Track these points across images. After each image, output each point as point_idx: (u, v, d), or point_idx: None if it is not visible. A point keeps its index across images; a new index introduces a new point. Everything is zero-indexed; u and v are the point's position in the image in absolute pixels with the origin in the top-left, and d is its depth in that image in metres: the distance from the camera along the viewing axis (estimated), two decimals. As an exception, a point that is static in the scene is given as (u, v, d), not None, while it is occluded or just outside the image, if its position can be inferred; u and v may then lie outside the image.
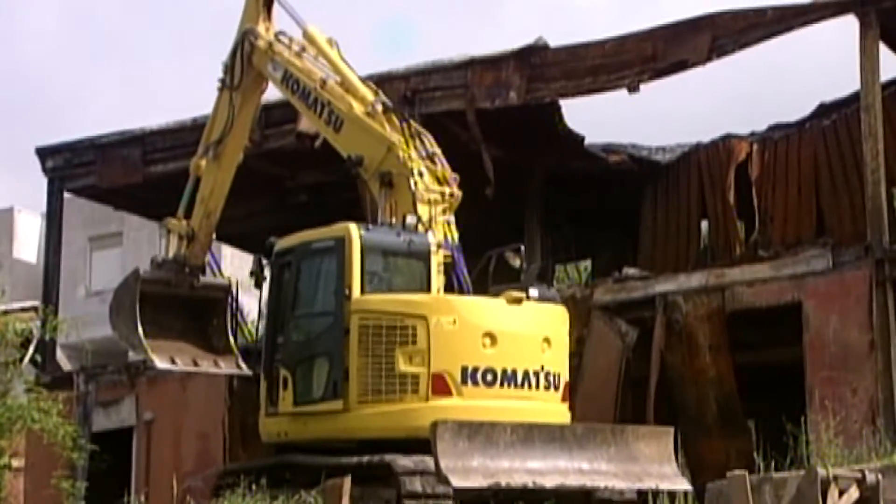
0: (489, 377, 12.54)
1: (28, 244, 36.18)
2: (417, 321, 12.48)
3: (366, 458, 12.14)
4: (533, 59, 17.61)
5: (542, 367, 12.84)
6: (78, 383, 19.76)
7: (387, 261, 13.10)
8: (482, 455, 11.34)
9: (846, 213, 18.14)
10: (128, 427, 19.44)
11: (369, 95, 14.00)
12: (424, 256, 13.10)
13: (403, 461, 11.85)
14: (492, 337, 12.60)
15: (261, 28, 14.89)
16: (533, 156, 19.63)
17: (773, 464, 11.89)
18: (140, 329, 14.51)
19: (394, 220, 13.40)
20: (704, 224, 19.94)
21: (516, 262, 13.85)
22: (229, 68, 14.95)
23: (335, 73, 14.23)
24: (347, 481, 9.84)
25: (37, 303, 22.39)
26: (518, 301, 12.81)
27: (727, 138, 19.57)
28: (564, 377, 13.20)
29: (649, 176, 20.10)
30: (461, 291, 13.31)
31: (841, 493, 9.70)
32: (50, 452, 17.26)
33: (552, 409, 12.94)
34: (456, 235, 13.38)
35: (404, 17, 67.52)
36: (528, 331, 12.85)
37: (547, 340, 12.95)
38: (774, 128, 19.63)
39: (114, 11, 64.08)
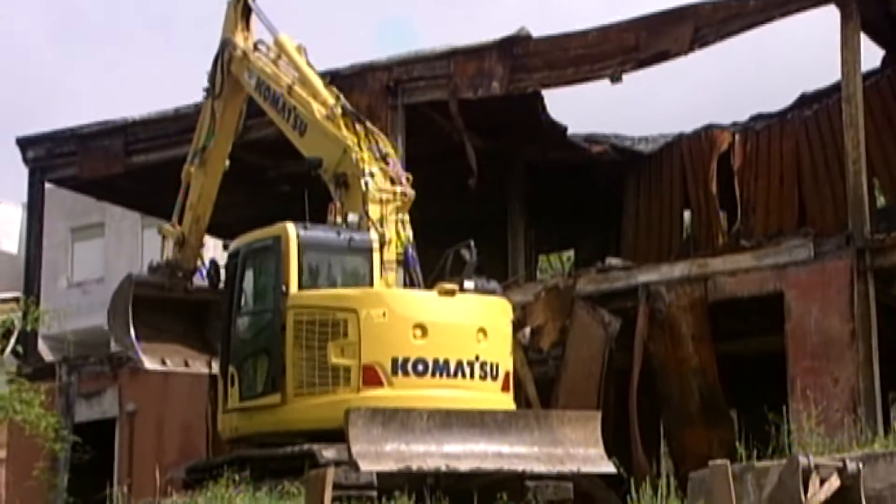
0: (420, 367, 12.74)
1: (9, 235, 36.04)
2: (348, 315, 12.76)
3: (296, 449, 12.37)
4: (515, 49, 17.61)
5: (478, 357, 12.99)
6: (60, 374, 19.70)
7: (327, 258, 13.39)
8: (397, 440, 11.50)
9: (828, 203, 18.20)
10: (110, 418, 19.40)
11: (330, 99, 14.36)
12: (366, 253, 13.36)
13: (328, 451, 12.06)
14: (422, 328, 12.81)
15: (239, 38, 15.28)
16: (515, 146, 19.64)
17: (755, 453, 11.94)
18: (132, 331, 14.83)
19: (343, 218, 13.72)
20: (687, 214, 19.99)
21: (473, 258, 14.05)
22: (210, 77, 15.24)
23: (301, 78, 14.50)
24: (330, 472, 9.85)
25: (18, 294, 22.32)
26: (451, 293, 13.00)
27: (709, 129, 19.62)
28: (505, 367, 13.33)
29: (632, 166, 20.13)
30: (413, 287, 13.55)
31: (822, 482, 9.74)
32: (32, 444, 17.22)
33: (490, 398, 13.06)
34: (410, 233, 13.56)
35: (406, 19, 67.44)
36: (460, 322, 13.02)
37: (482, 331, 13.10)
38: (756, 118, 19.68)
39: (97, 2, 63.77)
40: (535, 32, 17.61)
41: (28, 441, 17.24)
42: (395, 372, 12.69)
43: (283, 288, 13.09)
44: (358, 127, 14.04)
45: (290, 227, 13.36)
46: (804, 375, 15.33)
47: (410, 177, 13.88)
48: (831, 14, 16.22)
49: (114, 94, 56.64)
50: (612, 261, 17.74)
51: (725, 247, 17.76)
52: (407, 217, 13.68)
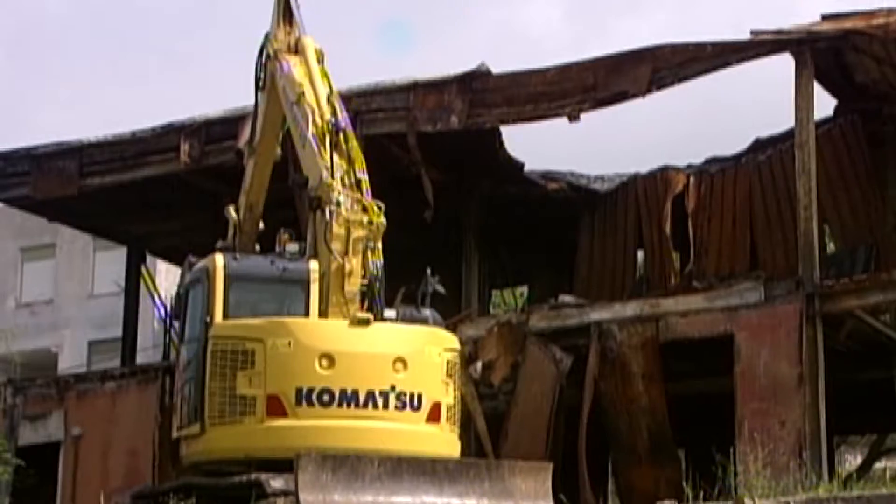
0: (325, 398, 12.64)
1: (-42, 253, 35.61)
2: (255, 344, 12.75)
3: (243, 478, 12.34)
4: (475, 84, 17.71)
5: (393, 388, 12.82)
6: (5, 396, 19.44)
7: (260, 288, 13.38)
8: (346, 489, 11.40)
9: (779, 248, 18.41)
10: (55, 442, 19.15)
11: (327, 114, 14.09)
12: (302, 283, 13.28)
13: (276, 482, 12.01)
14: (329, 358, 12.70)
15: (280, 33, 14.98)
16: (472, 180, 19.72)
17: (701, 493, 12.01)
18: None
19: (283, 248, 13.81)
20: (640, 254, 20.13)
21: (441, 288, 14.06)
22: (255, 69, 15.19)
23: (311, 85, 14.32)
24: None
25: (-35, 313, 22.05)
26: (364, 322, 12.90)
27: (665, 170, 19.81)
28: (432, 397, 13.11)
29: (587, 204, 20.27)
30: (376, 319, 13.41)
31: (767, 525, 9.81)
32: (-26, 466, 16.98)
33: (409, 429, 12.90)
34: (380, 263, 13.44)
35: (406, 20, 67.53)
36: (373, 351, 12.89)
37: (401, 361, 12.94)
38: (711, 161, 19.90)
39: (58, 22, 63.41)
40: (523, 39, 17.68)
41: (-30, 463, 17.00)
42: (298, 402, 12.59)
43: (208, 318, 13.15)
44: (344, 147, 13.76)
45: (218, 258, 13.42)
46: (752, 417, 15.44)
47: (382, 205, 13.75)
48: (787, 62, 16.48)
49: (69, 116, 56.26)
50: (565, 298, 17.81)
51: (677, 287, 17.89)
52: (379, 245, 13.53)
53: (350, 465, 11.49)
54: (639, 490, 16.06)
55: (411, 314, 13.50)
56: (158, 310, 15.44)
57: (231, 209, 15.51)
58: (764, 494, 11.53)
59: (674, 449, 16.90)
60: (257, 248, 15.35)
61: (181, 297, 14.00)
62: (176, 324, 14.22)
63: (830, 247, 19.61)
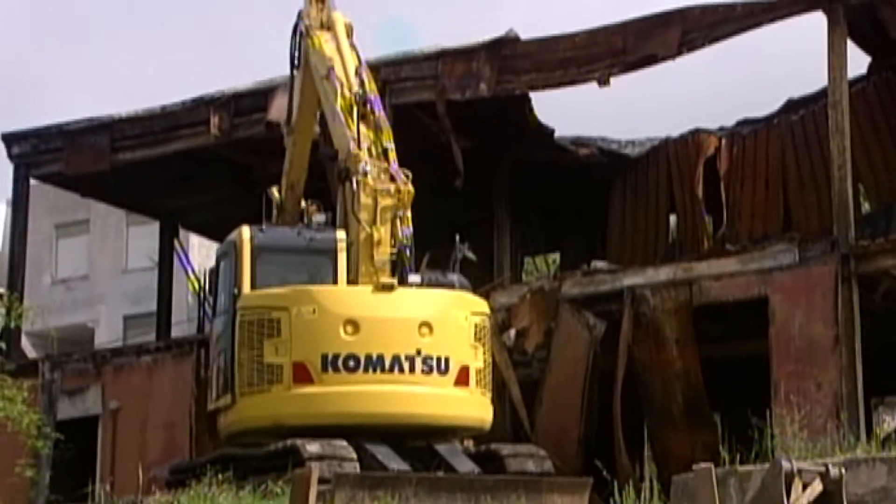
0: (351, 363, 12.77)
1: (-7, 231, 35.90)
2: (281, 313, 12.93)
3: (279, 446, 12.49)
4: (504, 50, 17.62)
5: (419, 352, 12.93)
6: (43, 371, 19.60)
7: (287, 259, 13.52)
8: None
9: (813, 209, 18.27)
10: (93, 415, 19.32)
11: (355, 86, 14.13)
12: (329, 253, 13.34)
13: (312, 446, 12.17)
14: (354, 324, 12.84)
15: (313, 10, 15.09)
16: (502, 147, 19.66)
17: (738, 457, 11.98)
18: None
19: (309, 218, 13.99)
20: (673, 218, 20.03)
21: (471, 255, 14.10)
22: (290, 48, 15.31)
23: (340, 59, 14.33)
24: (315, 470, 9.88)
25: (2, 290, 22.23)
26: (388, 288, 12.88)
27: (696, 133, 19.67)
28: (459, 361, 13.20)
29: (618, 169, 20.17)
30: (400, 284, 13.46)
31: (805, 487, 9.76)
32: (14, 440, 17.16)
33: (437, 393, 13.00)
34: (409, 231, 13.43)
35: (406, 19, 67.39)
36: (398, 316, 12.98)
37: (427, 325, 13.03)
38: (743, 123, 19.73)
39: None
40: (533, 32, 17.63)
41: (10, 438, 17.17)
42: (325, 368, 12.75)
43: (236, 290, 13.28)
44: (371, 118, 13.86)
45: (245, 230, 13.63)
46: (788, 380, 15.38)
47: (410, 174, 13.74)
48: (819, 20, 16.27)
49: (101, 91, 56.50)
50: (598, 264, 17.76)
51: (711, 251, 17.79)
52: (408, 214, 13.54)
53: (389, 484, 11.50)
54: (675, 455, 16.03)
55: (437, 278, 13.57)
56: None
57: (273, 190, 15.65)
58: (801, 456, 11.48)
59: (709, 413, 16.85)
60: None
61: (213, 273, 14.12)
62: (210, 299, 14.36)
63: (865, 206, 19.42)
